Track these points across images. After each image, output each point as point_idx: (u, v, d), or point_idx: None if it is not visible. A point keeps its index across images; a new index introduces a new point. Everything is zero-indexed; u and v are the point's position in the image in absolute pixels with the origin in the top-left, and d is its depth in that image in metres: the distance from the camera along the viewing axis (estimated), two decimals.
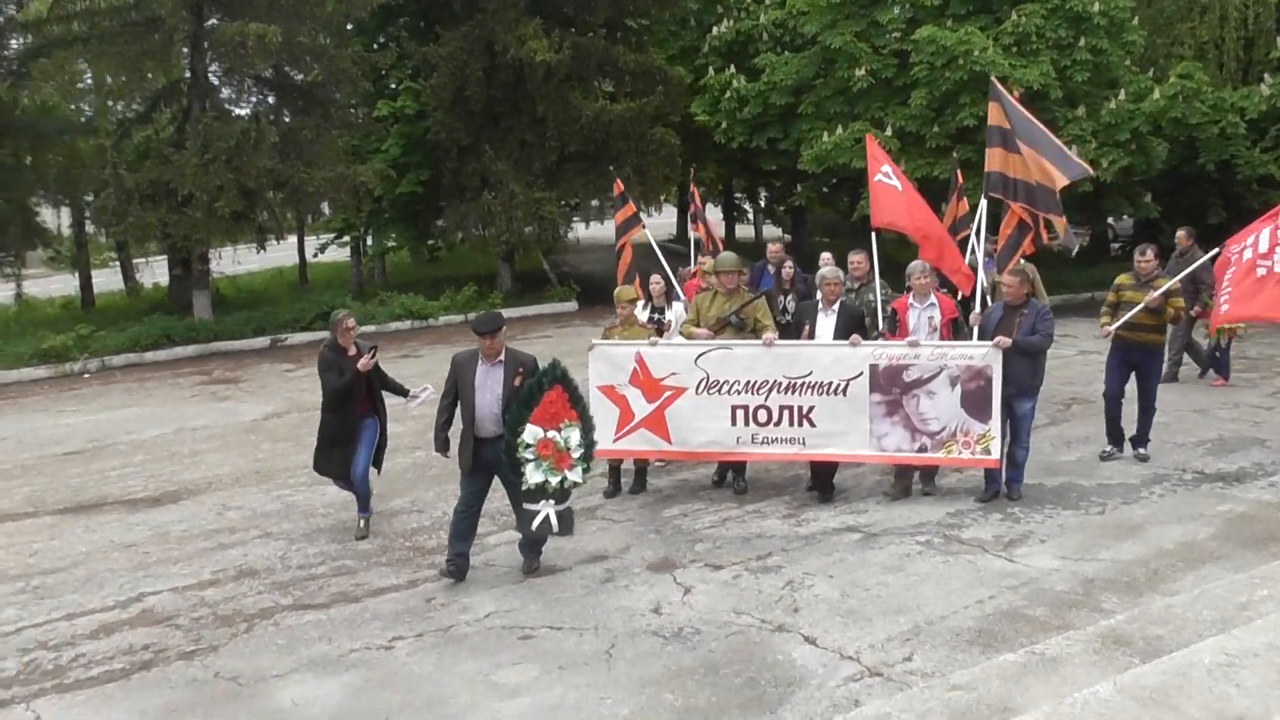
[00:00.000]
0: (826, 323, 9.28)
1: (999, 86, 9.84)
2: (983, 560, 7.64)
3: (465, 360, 7.70)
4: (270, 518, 9.47)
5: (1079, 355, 14.99)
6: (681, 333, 9.77)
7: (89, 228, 27.15)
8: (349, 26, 24.37)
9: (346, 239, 27.91)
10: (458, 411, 7.75)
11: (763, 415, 9.10)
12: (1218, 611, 6.14)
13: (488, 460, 7.59)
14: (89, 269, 27.99)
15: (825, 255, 11.53)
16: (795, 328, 9.56)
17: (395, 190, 24.16)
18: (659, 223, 48.19)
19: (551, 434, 7.35)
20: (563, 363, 7.54)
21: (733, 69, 23.93)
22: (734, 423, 9.14)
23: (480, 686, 6.04)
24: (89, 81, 27.50)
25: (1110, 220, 26.87)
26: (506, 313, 23.28)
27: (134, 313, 23.50)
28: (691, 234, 12.91)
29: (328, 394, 8.77)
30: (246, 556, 8.47)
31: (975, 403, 8.79)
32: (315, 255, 30.63)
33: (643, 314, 10.36)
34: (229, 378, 17.48)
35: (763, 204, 39.23)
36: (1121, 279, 10.05)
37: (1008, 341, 8.66)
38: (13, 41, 23.13)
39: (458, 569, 7.63)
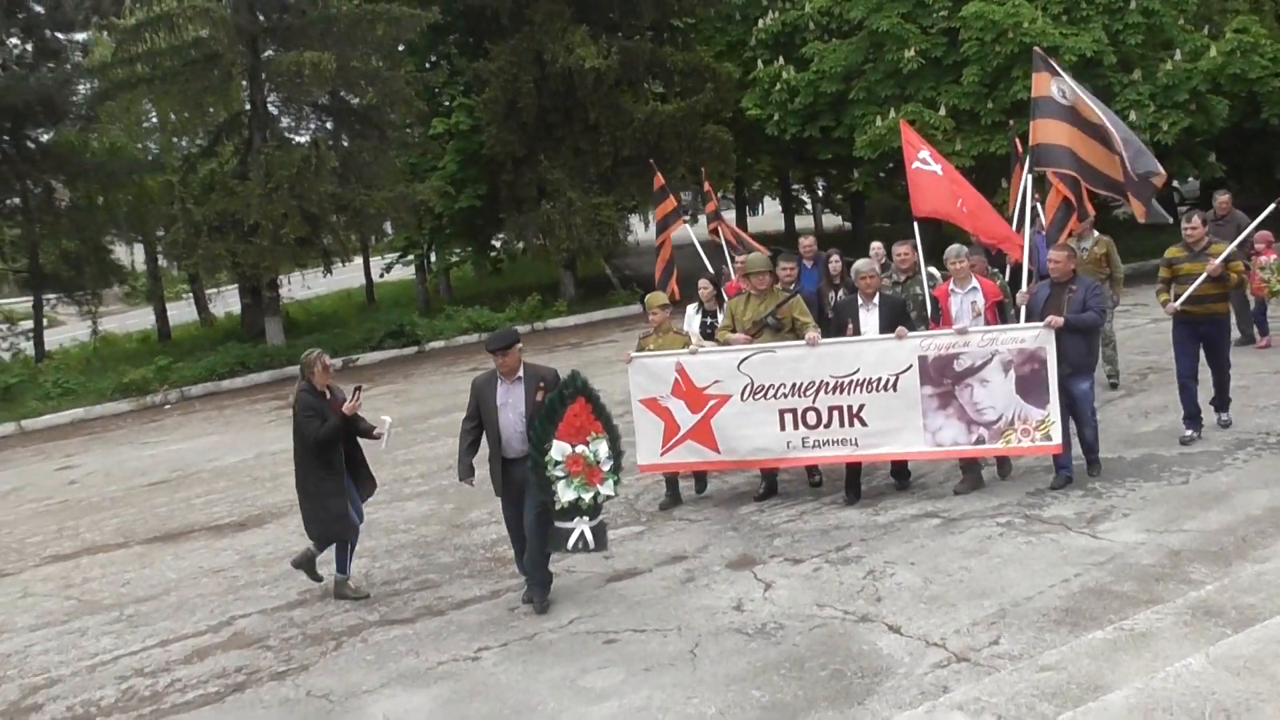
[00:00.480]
0: (869, 317, 8.96)
1: (1044, 56, 9.49)
2: (1066, 538, 7.53)
3: (484, 382, 7.53)
4: None
5: (1151, 324, 14.68)
6: (717, 339, 9.46)
7: (161, 262, 27.81)
8: (400, 48, 24.72)
9: (410, 257, 28.28)
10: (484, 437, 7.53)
11: (812, 418, 8.81)
12: None
13: (519, 480, 7.38)
14: (164, 303, 28.70)
15: (875, 245, 11.38)
16: (837, 326, 9.19)
17: (455, 206, 24.47)
18: (756, 223, 48.21)
19: (580, 449, 7.14)
20: (582, 374, 7.40)
21: (781, 60, 23.82)
22: (782, 427, 8.86)
23: (567, 692, 6.10)
24: (154, 120, 28.26)
25: (1175, 184, 26.33)
26: (572, 319, 23.68)
27: (209, 343, 24.08)
28: (721, 237, 12.57)
29: (309, 444, 7.88)
30: (332, 576, 8.61)
31: (1031, 387, 8.46)
32: (381, 275, 31.07)
33: (695, 318, 10.22)
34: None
35: (820, 193, 39.03)
36: (1172, 252, 9.55)
37: (1060, 321, 8.35)
38: (80, 87, 23.81)
39: (543, 596, 7.44)
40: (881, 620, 6.53)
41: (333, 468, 7.98)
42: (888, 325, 8.80)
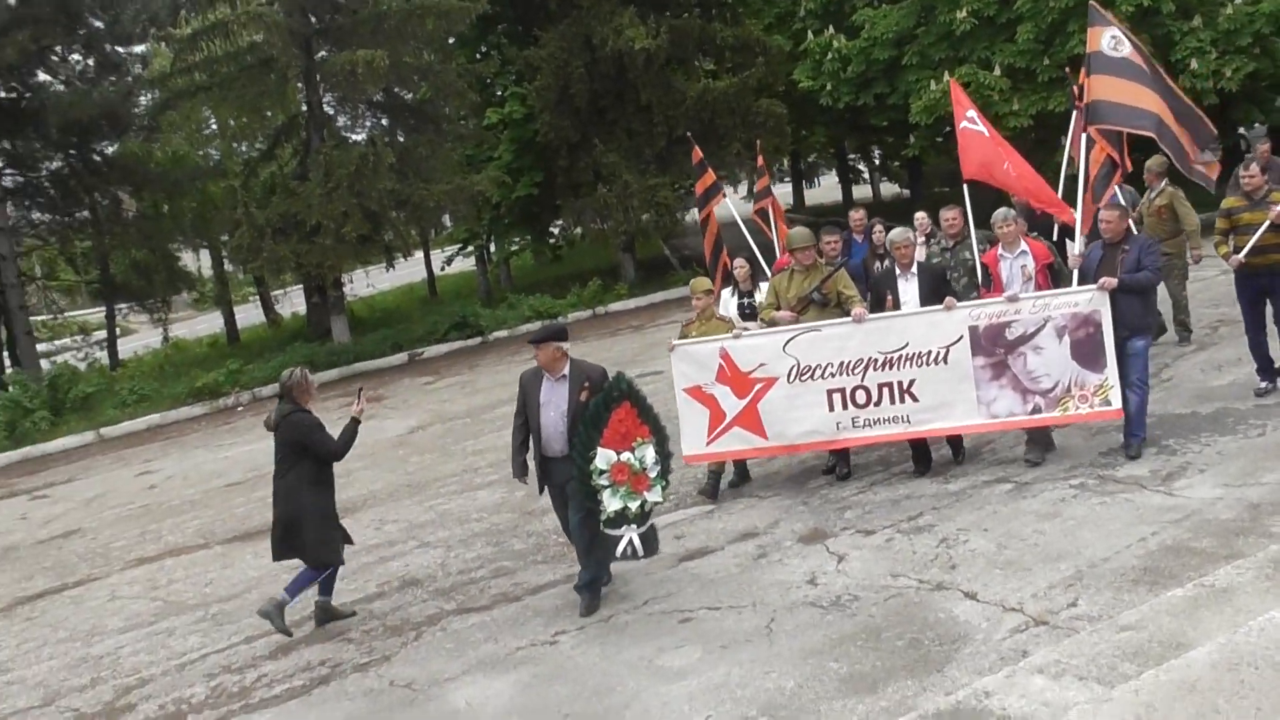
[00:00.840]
0: (908, 288, 8.76)
1: (1100, 10, 9.20)
2: (1141, 497, 7.43)
3: (530, 377, 7.37)
4: (426, 528, 9.77)
5: (1222, 275, 14.29)
6: (762, 318, 9.22)
7: (227, 266, 28.34)
8: (450, 41, 24.85)
9: (470, 248, 28.50)
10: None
11: (861, 396, 8.58)
12: None
13: (559, 480, 7.25)
14: (231, 306, 29.25)
15: (919, 215, 11.13)
16: (875, 299, 8.94)
17: (512, 195, 24.60)
18: (814, 195, 47.98)
19: (625, 456, 6.93)
20: (628, 374, 7.24)
21: (831, 29, 23.57)
22: (832, 408, 8.64)
23: (645, 672, 6.15)
24: (213, 127, 28.78)
25: (1241, 130, 25.66)
26: (633, 302, 23.71)
27: (277, 343, 24.50)
28: (770, 215, 12.30)
29: (325, 456, 7.66)
30: (408, 567, 8.77)
31: (1087, 352, 8.20)
32: (443, 268, 31.36)
33: (732, 301, 10.00)
34: (372, 396, 17.98)
35: (877, 162, 38.65)
36: (1230, 201, 9.21)
37: (1113, 282, 8.06)
38: (141, 98, 24.29)
39: (592, 599, 7.24)
40: (957, 588, 6.50)
41: (332, 486, 7.86)
42: (928, 295, 8.63)
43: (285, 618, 7.42)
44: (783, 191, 43.78)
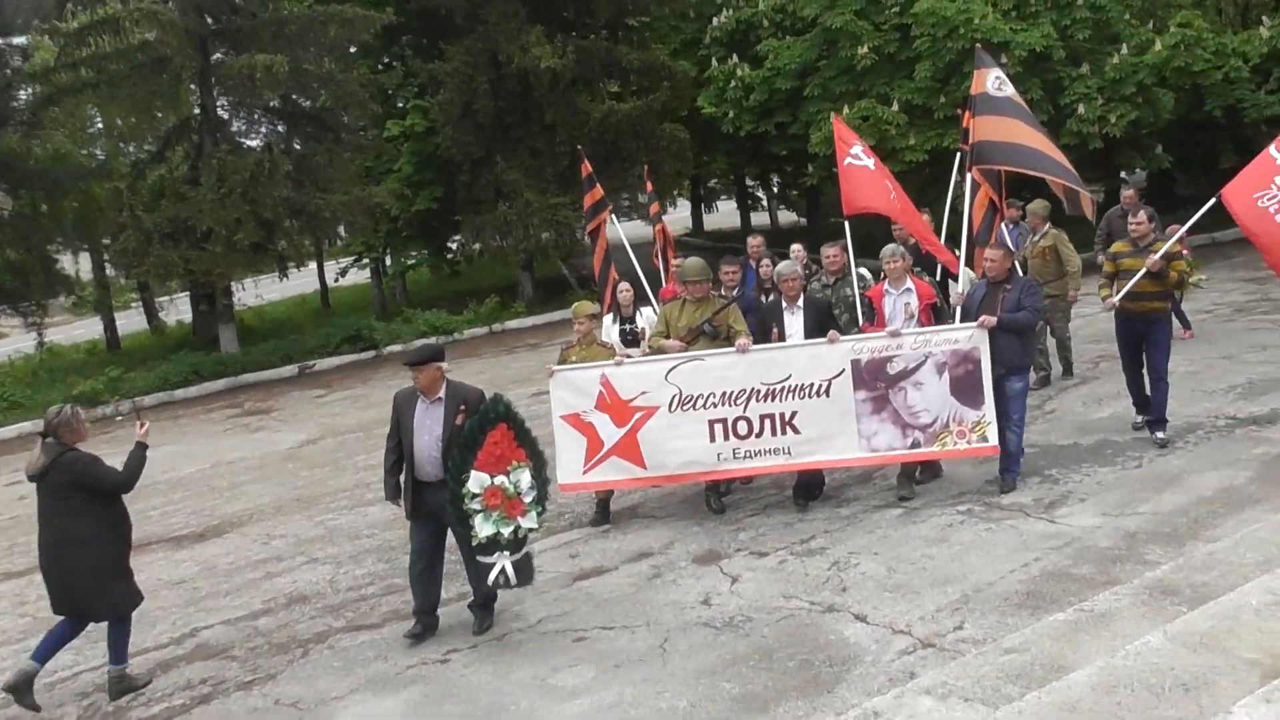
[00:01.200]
0: (794, 320, 8.70)
1: (985, 53, 9.49)
2: (1025, 524, 7.66)
3: (405, 398, 7.09)
4: (315, 543, 9.57)
5: (1104, 313, 14.88)
6: (650, 346, 9.09)
7: (109, 271, 27.43)
8: (352, 50, 24.55)
9: (366, 261, 28.10)
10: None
11: (743, 427, 8.49)
12: (1261, 553, 6.16)
13: (433, 506, 6.95)
14: (112, 312, 28.29)
15: (795, 247, 11.02)
16: (762, 332, 8.83)
17: (411, 208, 24.33)
18: (673, 218, 48.34)
19: (499, 480, 6.72)
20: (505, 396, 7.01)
21: (736, 58, 23.91)
22: (713, 439, 8.51)
23: (538, 691, 6.11)
24: (99, 126, 27.84)
25: (1123, 175, 26.72)
26: (530, 321, 23.61)
27: (160, 352, 23.79)
28: (659, 241, 12.24)
29: (113, 490, 6.78)
30: (296, 583, 8.58)
31: (966, 389, 8.28)
32: (336, 280, 30.84)
33: (614, 327, 9.80)
34: (261, 408, 17.66)
35: (775, 190, 39.20)
36: (1118, 246, 9.41)
37: (993, 321, 8.20)
38: (21, 92, 23.42)
39: (423, 629, 7.06)
40: (848, 610, 6.61)
41: (127, 525, 6.98)
42: (813, 328, 8.59)
43: (135, 679, 6.82)
44: (681, 216, 44.27)
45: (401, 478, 7.07)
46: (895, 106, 20.45)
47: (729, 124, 23.93)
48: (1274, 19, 20.35)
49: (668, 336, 8.81)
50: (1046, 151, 8.93)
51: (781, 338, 8.68)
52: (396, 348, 21.64)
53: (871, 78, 21.32)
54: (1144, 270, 8.69)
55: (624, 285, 10.01)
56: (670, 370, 8.54)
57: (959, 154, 10.21)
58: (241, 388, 20.09)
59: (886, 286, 8.81)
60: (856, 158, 9.48)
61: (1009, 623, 6.09)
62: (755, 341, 8.63)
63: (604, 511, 9.03)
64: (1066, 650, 5.26)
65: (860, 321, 9.03)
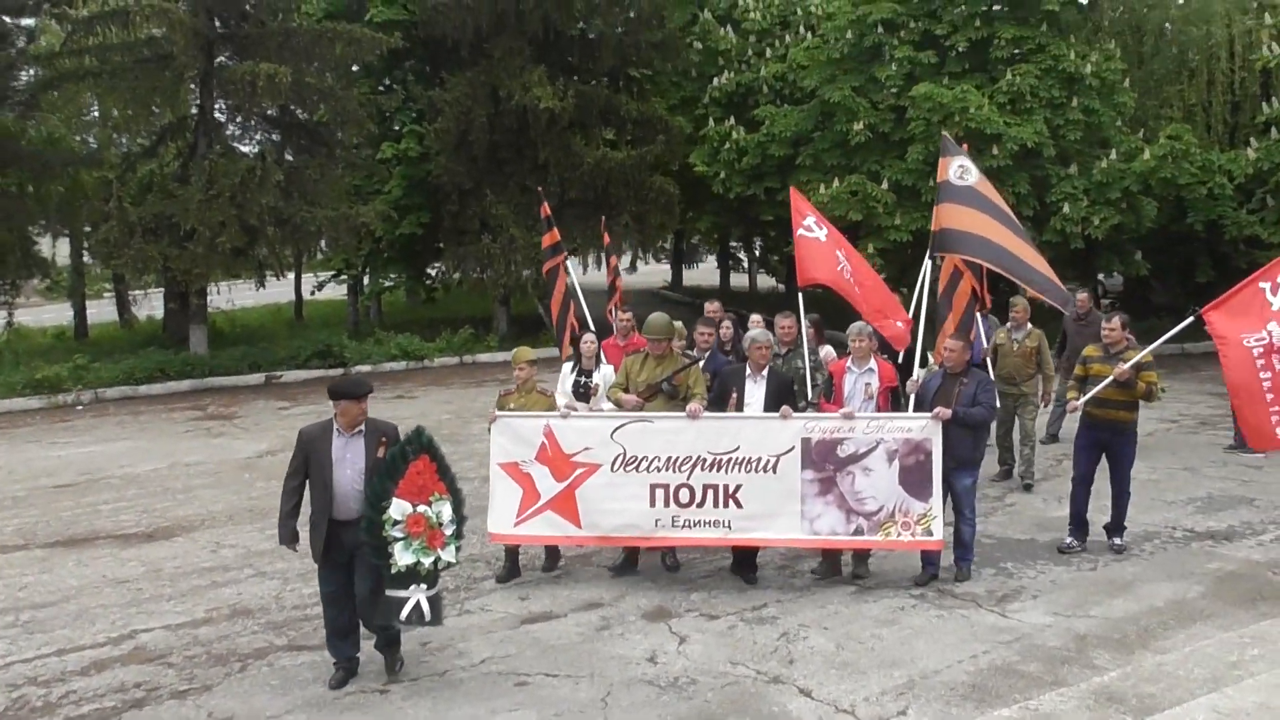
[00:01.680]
0: (756, 390, 8.44)
1: (951, 140, 9.57)
2: (976, 615, 7.68)
3: (317, 433, 6.68)
4: (264, 556, 9.44)
5: (1070, 415, 15.07)
6: (609, 398, 8.78)
7: (86, 258, 27.24)
8: (355, 68, 24.65)
9: (345, 277, 28.05)
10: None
11: (685, 495, 8.23)
12: (1209, 670, 6.21)
13: (350, 546, 6.60)
14: (84, 300, 28.06)
15: (755, 317, 10.75)
16: (719, 397, 8.56)
17: (395, 231, 24.40)
18: (655, 270, 48.57)
19: (422, 509, 6.47)
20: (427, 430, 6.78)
21: (732, 120, 24.23)
22: (653, 503, 8.25)
23: None
24: (96, 114, 27.75)
25: (1100, 277, 27.15)
26: (502, 355, 23.52)
27: (128, 345, 23.56)
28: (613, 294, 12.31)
29: None
30: (240, 595, 8.47)
31: (914, 480, 8.14)
32: (313, 293, 30.76)
33: (570, 377, 9.41)
34: (223, 413, 17.50)
35: (757, 253, 39.50)
36: (1089, 350, 9.29)
37: (947, 413, 8.11)
38: (22, 73, 23.34)
39: (345, 675, 6.76)
40: (793, 683, 6.59)
41: None
42: (774, 401, 8.37)
43: None
44: (662, 270, 44.47)
45: (310, 519, 6.66)
46: (885, 185, 20.76)
47: (719, 184, 24.22)
48: (1261, 141, 20.81)
49: (627, 390, 8.60)
50: (1007, 246, 8.87)
51: (740, 405, 8.43)
52: (365, 368, 21.55)
53: (864, 154, 21.64)
54: (1110, 379, 8.64)
55: (589, 337, 9.67)
56: (617, 429, 8.31)
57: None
58: (206, 390, 19.92)
59: (849, 364, 8.63)
60: (809, 229, 9.53)
61: (953, 713, 6.10)
62: (712, 406, 8.45)
63: (514, 566, 8.70)
64: None
65: (811, 396, 8.92)
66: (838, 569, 8.59)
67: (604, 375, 9.31)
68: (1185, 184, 20.52)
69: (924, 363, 9.41)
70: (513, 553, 8.69)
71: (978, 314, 10.14)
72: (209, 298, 23.50)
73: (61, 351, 22.78)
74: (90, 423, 16.95)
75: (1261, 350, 7.87)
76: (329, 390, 6.76)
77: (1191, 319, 8.38)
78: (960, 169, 9.15)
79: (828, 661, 6.90)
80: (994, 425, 10.68)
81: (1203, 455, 12.68)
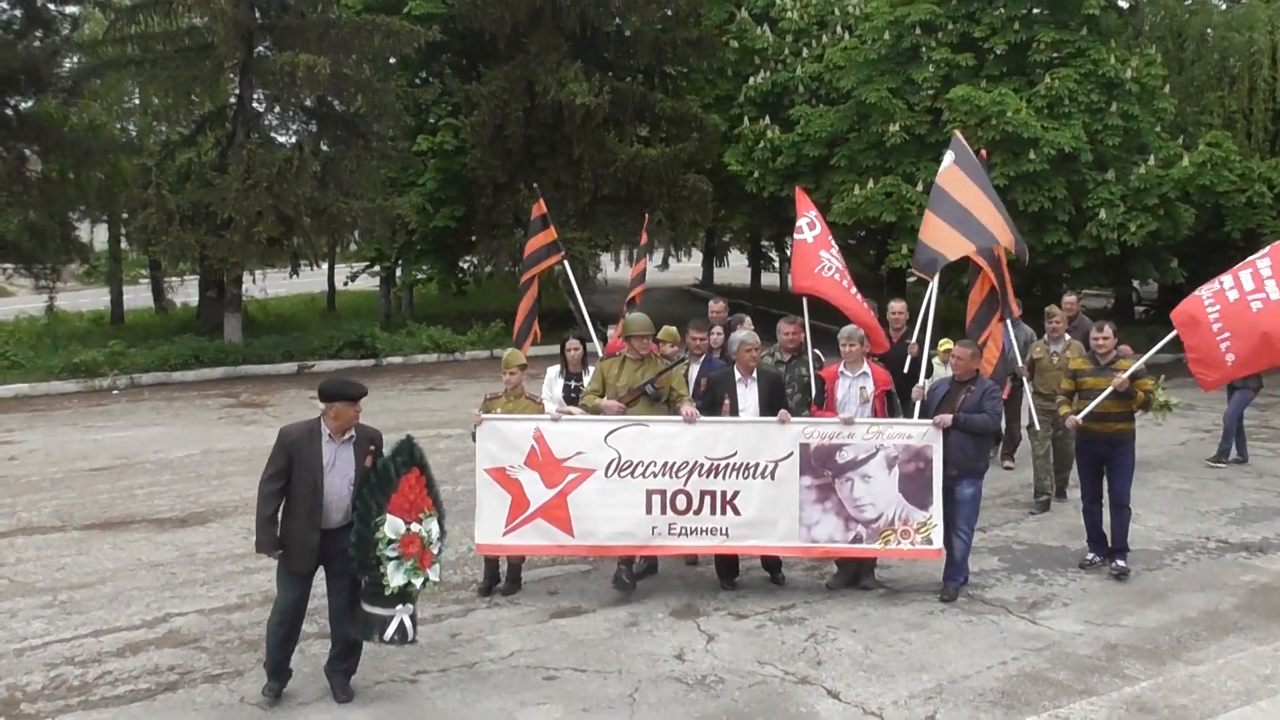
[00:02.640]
0: (748, 394, 8.26)
1: (962, 141, 9.48)
2: (1006, 621, 7.66)
3: (303, 436, 6.28)
4: None
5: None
6: (584, 404, 8.43)
7: (124, 244, 27.51)
8: (392, 61, 24.77)
9: (377, 269, 28.20)
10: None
11: (681, 502, 7.97)
12: (1242, 683, 6.18)
13: (331, 554, 6.34)
14: (121, 285, 28.35)
15: (744, 318, 10.48)
16: (711, 403, 8.31)
17: (429, 223, 24.51)
18: (686, 268, 48.51)
19: (415, 528, 6.23)
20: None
21: (767, 119, 24.21)
22: (649, 510, 7.94)
23: None
24: (136, 102, 28.03)
25: (1135, 284, 26.95)
26: (534, 350, 23.49)
27: (163, 331, 23.80)
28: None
29: None
30: (272, 582, 8.36)
31: (914, 487, 8.02)
32: (346, 283, 30.92)
33: (558, 382, 9.16)
34: (256, 401, 17.64)
35: (788, 254, 39.44)
36: (1077, 363, 9.14)
37: (948, 420, 7.98)
38: (66, 61, 23.60)
39: (281, 686, 6.45)
40: (821, 684, 6.60)
41: None
42: (767, 403, 8.21)
43: None
44: (692, 267, 44.44)
45: (289, 527, 6.27)
46: (919, 187, 20.66)
47: (752, 183, 24.20)
48: None
49: (603, 395, 8.24)
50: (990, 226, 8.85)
51: (734, 410, 8.23)
52: (396, 359, 21.69)
53: (899, 155, 21.58)
54: (1110, 390, 8.45)
55: (573, 343, 9.37)
56: (611, 433, 7.96)
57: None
58: (240, 378, 20.09)
59: (842, 369, 8.48)
60: (801, 230, 9.42)
61: (981, 718, 6.09)
62: (704, 411, 8.16)
63: (493, 575, 8.33)
64: None
65: (810, 403, 8.71)
66: (855, 580, 8.41)
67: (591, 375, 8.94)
68: (1224, 191, 20.37)
69: (930, 371, 9.33)
70: (492, 563, 8.32)
71: (1008, 322, 9.84)
72: (244, 286, 23.68)
73: (98, 336, 23.05)
74: (126, 407, 17.13)
75: (1211, 294, 8.31)
76: (321, 391, 6.38)
77: (1173, 335, 8.52)
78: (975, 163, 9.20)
79: (856, 664, 6.90)
80: (1033, 449, 10.72)
81: (1236, 466, 12.58)
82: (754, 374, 8.32)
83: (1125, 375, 8.48)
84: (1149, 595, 8.23)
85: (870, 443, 8.06)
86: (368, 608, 6.28)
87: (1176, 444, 13.56)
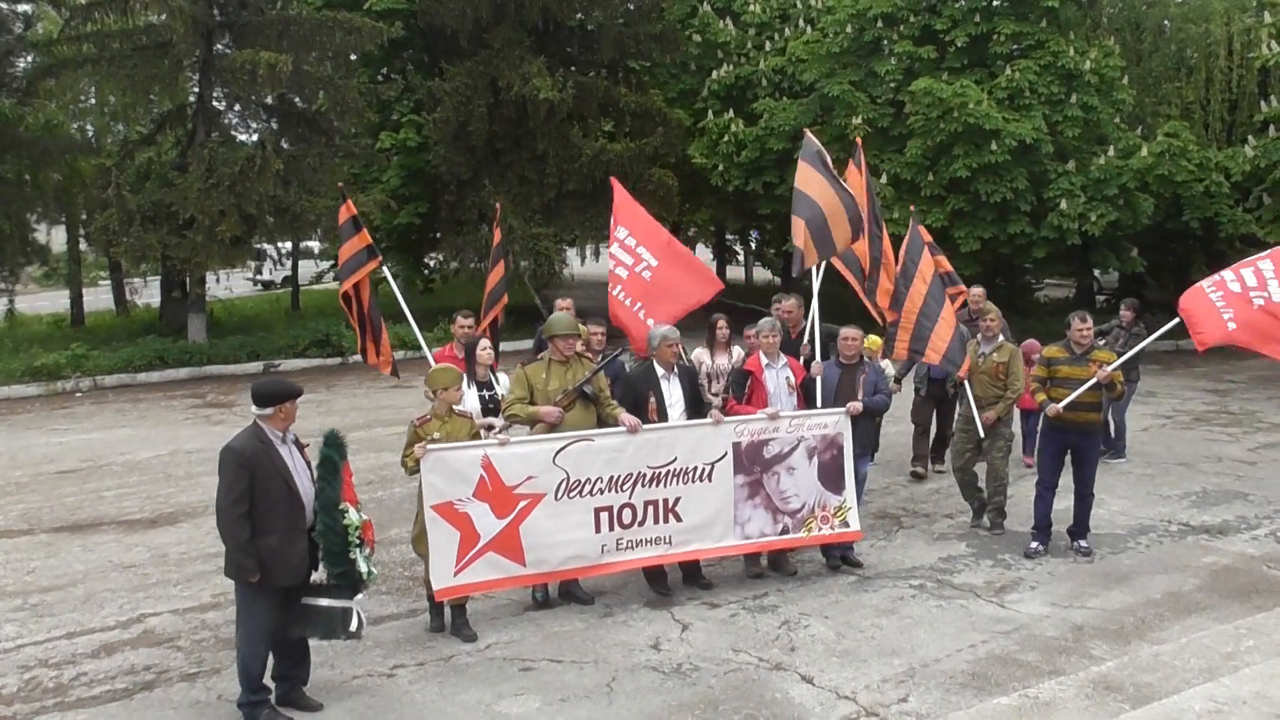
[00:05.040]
0: (673, 390, 8.12)
1: (813, 139, 9.47)
2: (975, 605, 7.78)
3: (258, 448, 6.00)
4: None
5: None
6: (517, 415, 7.76)
7: (83, 246, 27.21)
8: (354, 58, 24.65)
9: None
10: None
11: (627, 515, 7.69)
12: (1205, 660, 6.32)
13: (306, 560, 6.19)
14: (81, 287, 28.04)
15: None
16: (635, 402, 8.02)
17: (394, 221, 24.38)
18: None
19: (365, 516, 6.21)
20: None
21: (731, 113, 24.28)
22: (598, 529, 7.61)
23: (482, 716, 6.14)
24: (93, 102, 27.70)
25: (1096, 273, 27.29)
26: (500, 346, 23.48)
27: (125, 333, 23.57)
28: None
29: None
30: None
31: (830, 474, 8.24)
32: (311, 282, 30.76)
33: (470, 392, 8.23)
34: (223, 401, 17.55)
35: (754, 246, 39.57)
36: (1051, 351, 9.05)
37: (859, 407, 8.30)
38: (20, 61, 23.31)
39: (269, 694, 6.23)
40: (795, 670, 6.68)
41: None
42: (691, 398, 8.14)
43: None
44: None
45: (270, 544, 5.96)
46: (883, 179, 20.81)
47: (718, 177, 24.27)
48: (1259, 139, 20.92)
49: (533, 402, 7.75)
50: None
51: (660, 407, 8.05)
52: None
53: (864, 148, 21.65)
54: (1093, 381, 8.60)
55: (484, 343, 8.76)
56: (559, 451, 7.48)
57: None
58: (205, 379, 19.96)
59: (765, 360, 8.48)
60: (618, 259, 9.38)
61: (953, 700, 6.19)
62: (627, 410, 7.91)
63: (440, 613, 7.52)
64: None
65: (728, 396, 8.64)
66: (757, 561, 8.54)
67: (505, 385, 8.44)
68: (1182, 181, 20.63)
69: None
70: (439, 607, 7.49)
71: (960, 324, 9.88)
72: (206, 286, 23.50)
73: (59, 339, 22.80)
74: (89, 410, 16.99)
75: (1213, 283, 8.76)
76: (266, 395, 6.10)
77: (1176, 321, 8.82)
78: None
79: (829, 649, 6.99)
80: (951, 458, 10.36)
81: (1198, 451, 12.80)
82: (675, 370, 8.23)
83: (1111, 368, 8.60)
84: (1114, 578, 8.38)
85: (793, 435, 8.17)
86: (328, 602, 6.17)
87: (1139, 430, 13.75)
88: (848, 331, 8.68)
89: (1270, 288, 8.45)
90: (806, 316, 9.43)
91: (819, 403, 8.51)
